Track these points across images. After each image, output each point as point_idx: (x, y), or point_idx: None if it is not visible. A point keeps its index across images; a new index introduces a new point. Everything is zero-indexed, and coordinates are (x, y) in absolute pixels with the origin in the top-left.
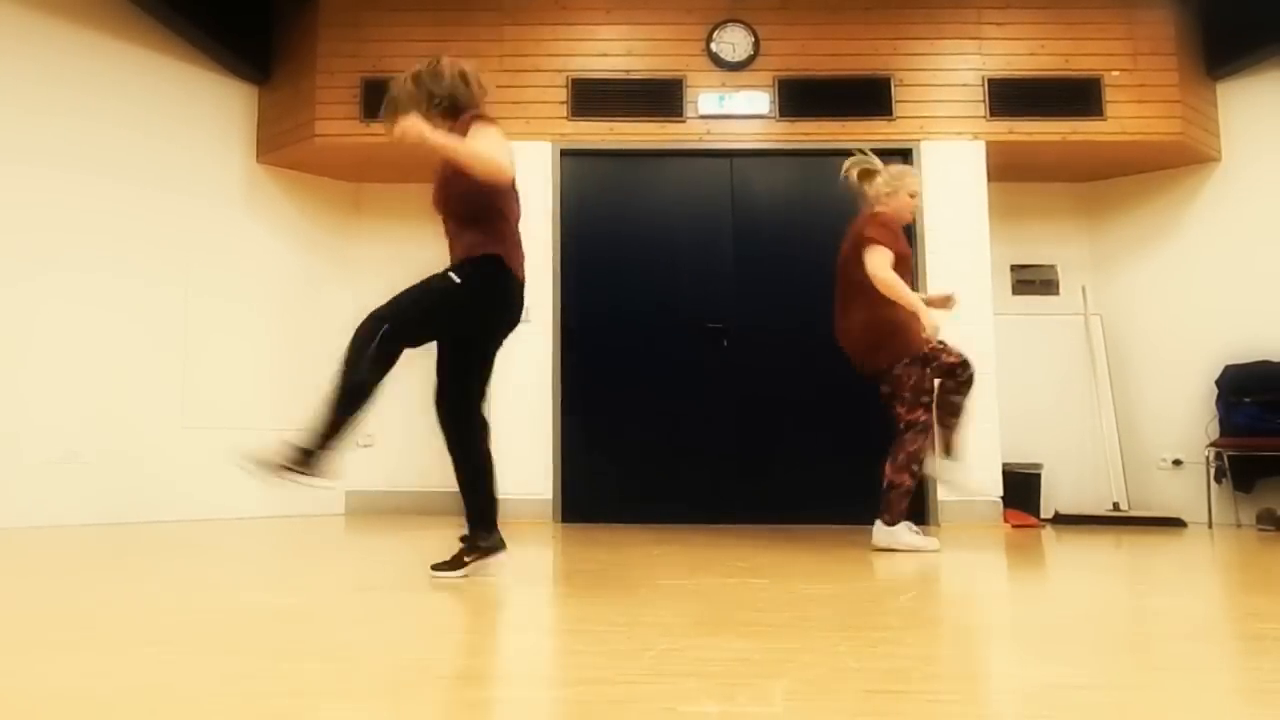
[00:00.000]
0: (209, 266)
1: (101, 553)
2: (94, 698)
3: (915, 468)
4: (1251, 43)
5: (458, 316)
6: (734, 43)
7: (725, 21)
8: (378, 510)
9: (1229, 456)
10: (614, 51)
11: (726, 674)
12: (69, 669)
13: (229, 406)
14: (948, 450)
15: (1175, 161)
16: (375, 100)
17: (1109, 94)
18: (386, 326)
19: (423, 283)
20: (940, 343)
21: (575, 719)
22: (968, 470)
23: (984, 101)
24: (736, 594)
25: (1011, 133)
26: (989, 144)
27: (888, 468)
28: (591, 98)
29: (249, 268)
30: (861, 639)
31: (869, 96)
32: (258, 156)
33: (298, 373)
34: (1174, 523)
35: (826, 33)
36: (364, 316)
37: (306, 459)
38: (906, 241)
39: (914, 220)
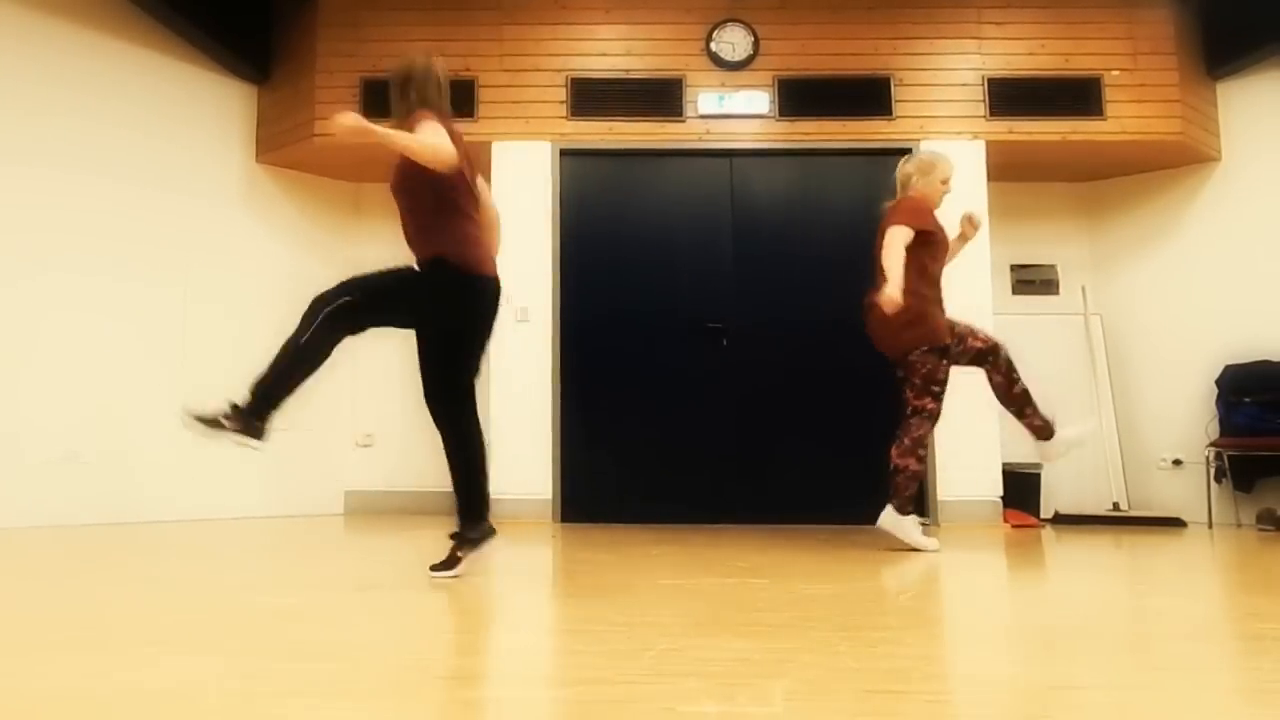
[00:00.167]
0: (209, 266)
1: (101, 553)
2: (94, 698)
3: (921, 453)
4: (1251, 42)
5: (419, 310)
6: (733, 42)
7: (725, 21)
8: (377, 510)
9: (1229, 456)
10: (613, 51)
11: (726, 674)
12: (68, 669)
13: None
14: (1041, 434)
15: (1175, 161)
16: (375, 100)
17: (1109, 94)
18: (346, 298)
19: (391, 270)
20: (966, 328)
21: (575, 719)
22: (1070, 433)
23: (984, 101)
24: (736, 594)
25: (1011, 132)
26: (989, 144)
27: (893, 451)
28: (591, 97)
29: (249, 268)
30: (861, 639)
31: (869, 96)
32: (257, 156)
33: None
34: (1174, 523)
35: (826, 32)
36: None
37: (241, 418)
38: (938, 224)
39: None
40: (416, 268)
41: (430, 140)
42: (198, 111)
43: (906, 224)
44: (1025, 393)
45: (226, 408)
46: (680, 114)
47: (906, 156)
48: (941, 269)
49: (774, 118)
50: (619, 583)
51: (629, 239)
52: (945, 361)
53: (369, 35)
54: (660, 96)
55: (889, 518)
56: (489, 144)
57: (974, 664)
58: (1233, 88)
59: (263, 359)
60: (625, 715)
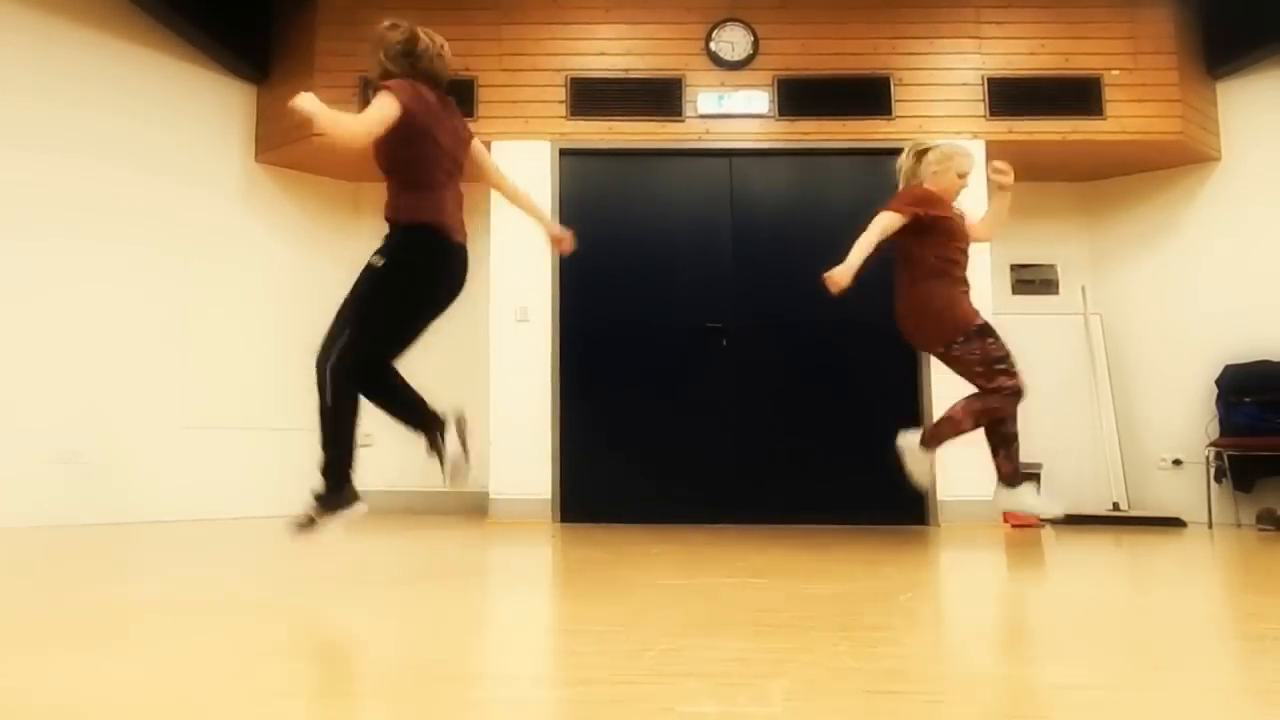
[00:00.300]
0: (208, 266)
1: (100, 553)
2: (93, 698)
3: (982, 421)
4: (1251, 42)
5: (409, 298)
6: (733, 42)
7: (724, 20)
8: (376, 510)
9: (1229, 456)
10: (613, 51)
11: (726, 674)
12: (68, 669)
13: (228, 406)
14: (1006, 478)
15: (1175, 161)
16: None
17: (1109, 93)
18: (356, 355)
19: (361, 294)
20: (990, 330)
21: (575, 719)
22: (1031, 501)
23: (984, 101)
24: (736, 594)
25: (1011, 132)
26: (989, 143)
27: (960, 403)
28: (590, 97)
29: (249, 267)
30: (861, 639)
31: (868, 96)
32: (256, 155)
33: (297, 372)
34: (1174, 523)
35: (826, 32)
36: (330, 349)
37: (329, 500)
38: (946, 209)
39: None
40: (378, 255)
41: (344, 123)
42: (197, 111)
43: (896, 210)
44: (1014, 437)
45: (312, 503)
46: (680, 114)
47: (910, 146)
48: (962, 255)
49: (774, 117)
50: (619, 583)
51: (628, 239)
52: (991, 339)
53: (368, 34)
54: (660, 96)
55: (907, 440)
56: (488, 143)
57: (974, 664)
58: (1232, 87)
59: (264, 360)
60: (625, 715)
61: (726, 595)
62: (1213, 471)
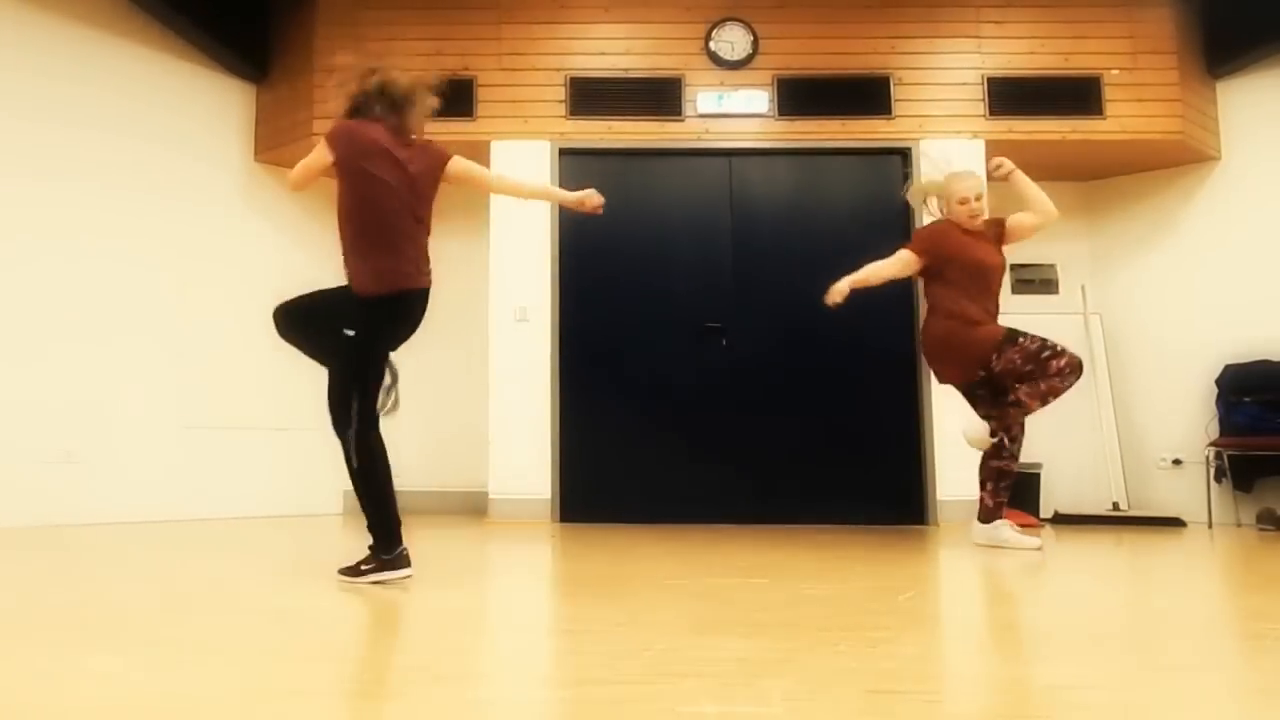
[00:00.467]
0: (207, 265)
1: (100, 553)
2: (93, 698)
3: (1049, 399)
4: (1251, 41)
5: (385, 343)
6: (733, 41)
7: (724, 20)
8: None
9: (1229, 456)
10: (612, 50)
11: (726, 674)
12: (67, 669)
13: (227, 406)
14: (984, 513)
15: (1175, 160)
16: None
17: (1109, 93)
18: (363, 410)
19: (350, 362)
20: (1017, 333)
21: (575, 719)
22: (1009, 535)
23: (983, 100)
24: (736, 594)
25: (1011, 131)
26: (988, 143)
27: (1025, 388)
28: (590, 96)
29: (248, 266)
30: (861, 639)
31: (868, 95)
32: (256, 155)
33: (296, 372)
34: (1174, 522)
35: (825, 31)
36: (344, 415)
37: (381, 560)
38: (961, 246)
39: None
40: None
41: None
42: (196, 110)
43: (913, 250)
44: (1006, 472)
45: (369, 556)
46: (679, 113)
47: (910, 195)
48: (981, 292)
49: (773, 117)
50: (619, 583)
51: (628, 239)
52: (1022, 338)
53: (368, 34)
54: (659, 96)
55: (974, 429)
56: (488, 143)
57: (974, 664)
58: (1232, 87)
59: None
60: (625, 715)
61: (726, 595)
62: (1213, 471)
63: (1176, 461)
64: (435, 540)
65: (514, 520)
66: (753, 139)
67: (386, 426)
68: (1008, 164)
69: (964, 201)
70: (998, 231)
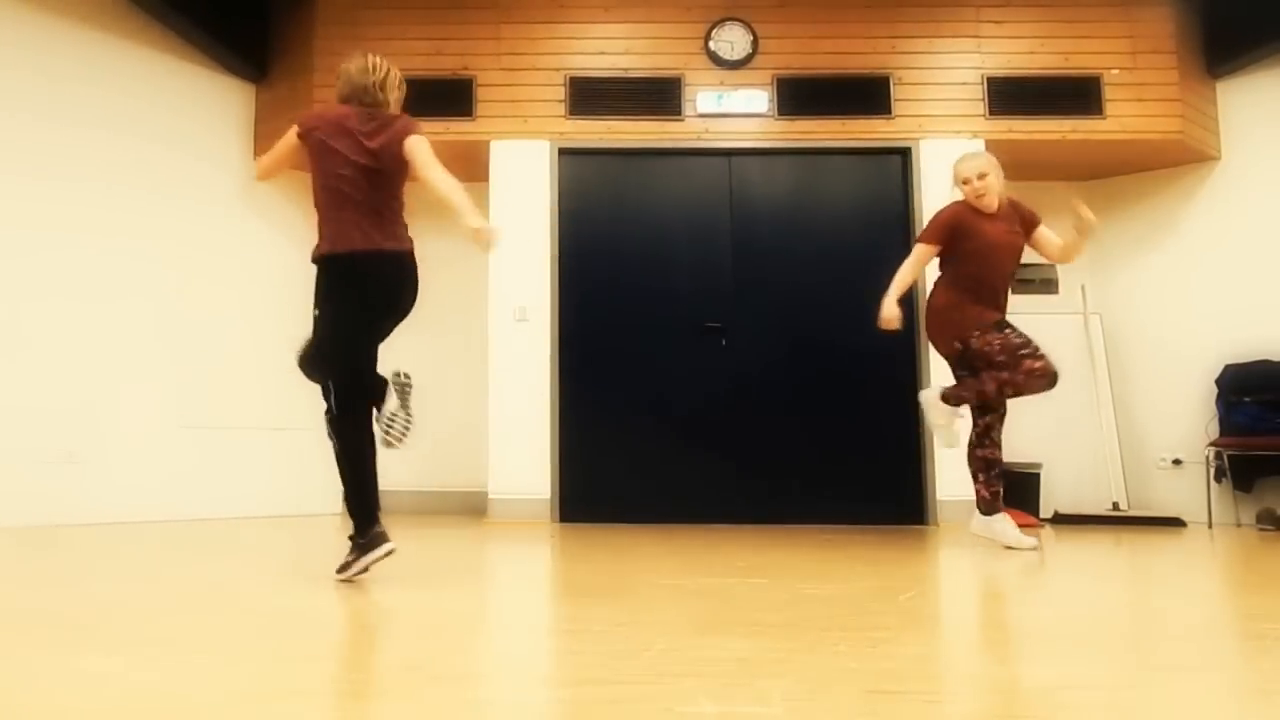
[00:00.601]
0: (207, 265)
1: (100, 553)
2: (93, 698)
3: (1006, 392)
4: (1251, 41)
5: (345, 315)
6: (732, 41)
7: (724, 20)
8: None
9: (1229, 456)
10: (612, 50)
11: (725, 674)
12: (67, 669)
13: (227, 406)
14: (983, 505)
15: (1175, 160)
16: None
17: (1108, 92)
18: (332, 380)
19: (318, 340)
20: (1007, 324)
21: (575, 719)
22: (1004, 529)
23: (983, 100)
24: (736, 594)
25: (1011, 131)
26: (988, 142)
27: (988, 371)
28: (590, 96)
29: (247, 266)
30: (861, 639)
31: (868, 95)
32: (256, 154)
33: (295, 372)
34: (1174, 522)
35: (825, 31)
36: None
37: (361, 545)
38: (971, 225)
39: (976, 202)
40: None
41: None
42: (196, 109)
43: (925, 241)
44: (994, 461)
45: (349, 549)
46: (679, 113)
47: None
48: (990, 274)
49: (773, 117)
50: (618, 583)
51: (628, 238)
52: (1009, 330)
53: (367, 33)
54: (659, 95)
55: (927, 394)
56: (487, 143)
57: (974, 664)
58: (1232, 86)
59: (262, 359)
60: (624, 715)
61: (726, 595)
62: (1213, 471)
63: (1176, 461)
64: (435, 540)
65: (513, 520)
66: (752, 139)
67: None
68: (1089, 228)
69: (966, 181)
70: (1024, 217)
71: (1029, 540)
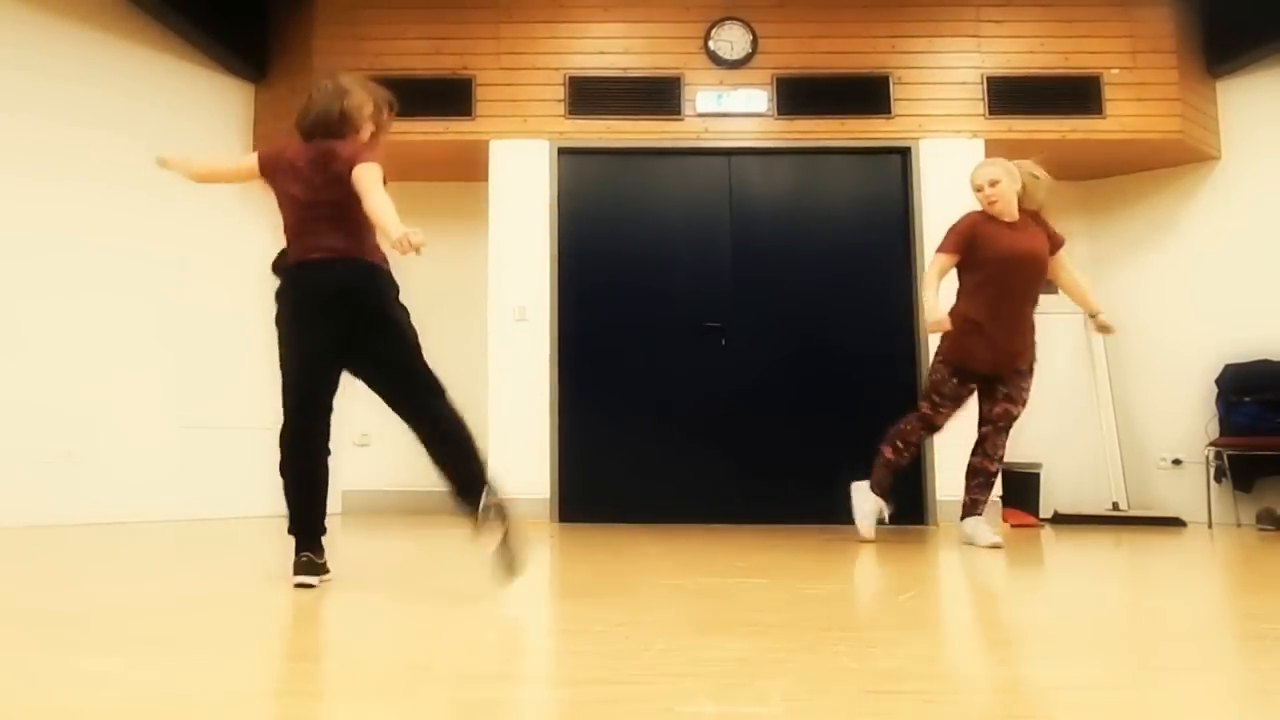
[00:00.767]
0: (206, 265)
1: (99, 553)
2: (93, 698)
3: (899, 444)
4: (1251, 41)
5: (292, 337)
6: (732, 41)
7: (723, 19)
8: (374, 510)
9: (1229, 456)
10: (612, 49)
11: (725, 674)
12: (66, 669)
13: (226, 406)
14: (966, 508)
15: (1175, 160)
16: None
17: (1108, 92)
18: (286, 414)
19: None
20: (1016, 394)
21: (575, 719)
22: (981, 532)
23: (983, 100)
24: (736, 594)
25: (1010, 131)
26: (988, 142)
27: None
28: (589, 96)
29: (246, 266)
30: (861, 639)
31: (867, 95)
32: None
33: None
34: (1174, 522)
35: (825, 30)
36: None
37: (304, 564)
38: (989, 234)
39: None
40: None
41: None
42: (195, 109)
43: (942, 250)
44: (974, 469)
45: (303, 564)
46: (679, 113)
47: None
48: (1006, 274)
49: (772, 116)
50: (618, 583)
51: (627, 238)
52: (952, 378)
53: (366, 33)
54: (658, 95)
55: (856, 486)
56: (486, 142)
57: (973, 664)
58: (1232, 86)
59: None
60: (624, 715)
61: (726, 595)
62: (1213, 471)
63: (1176, 461)
64: (434, 539)
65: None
66: (752, 138)
67: (390, 429)
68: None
69: (979, 189)
70: (1049, 236)
71: (991, 537)
